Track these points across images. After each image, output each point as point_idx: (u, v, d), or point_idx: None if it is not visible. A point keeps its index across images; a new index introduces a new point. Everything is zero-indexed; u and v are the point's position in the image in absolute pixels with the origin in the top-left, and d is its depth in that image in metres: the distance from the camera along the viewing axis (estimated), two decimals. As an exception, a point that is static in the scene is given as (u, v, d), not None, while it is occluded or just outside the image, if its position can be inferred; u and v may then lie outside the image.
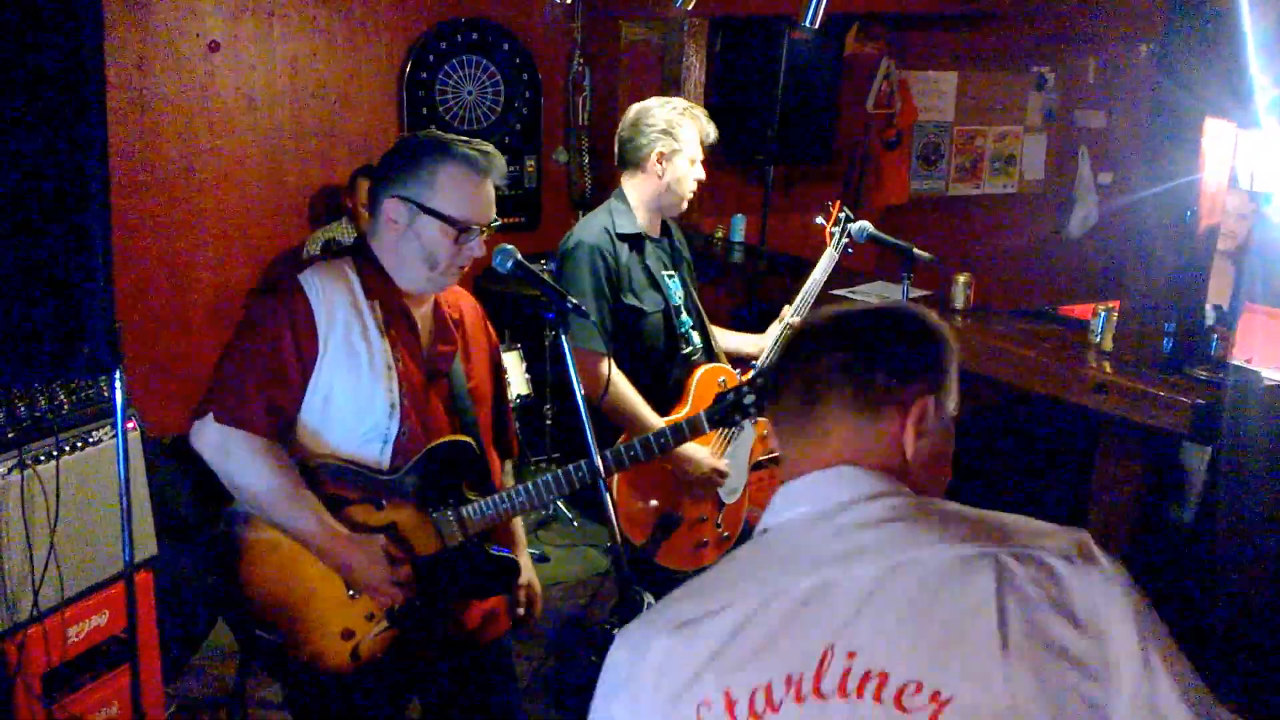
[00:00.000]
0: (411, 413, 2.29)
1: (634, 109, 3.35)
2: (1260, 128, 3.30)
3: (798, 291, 3.50)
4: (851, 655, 1.15)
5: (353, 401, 2.25)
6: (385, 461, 2.29)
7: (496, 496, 2.39)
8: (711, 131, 3.33)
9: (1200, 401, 3.19)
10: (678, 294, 3.39)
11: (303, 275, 2.25)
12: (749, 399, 2.74)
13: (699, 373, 3.32)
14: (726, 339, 3.64)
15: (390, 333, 2.29)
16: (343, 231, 5.16)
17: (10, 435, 2.89)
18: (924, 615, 1.15)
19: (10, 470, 2.87)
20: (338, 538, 2.23)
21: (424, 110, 5.77)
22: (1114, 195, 7.73)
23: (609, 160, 6.08)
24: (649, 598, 2.60)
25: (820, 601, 1.19)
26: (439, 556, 2.34)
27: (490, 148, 2.32)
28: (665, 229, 3.46)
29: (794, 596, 1.20)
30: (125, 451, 2.79)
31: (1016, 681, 1.11)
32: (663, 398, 3.26)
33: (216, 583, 2.33)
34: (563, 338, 2.24)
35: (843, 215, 3.53)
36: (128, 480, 2.80)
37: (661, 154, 3.25)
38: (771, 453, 3.61)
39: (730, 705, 1.18)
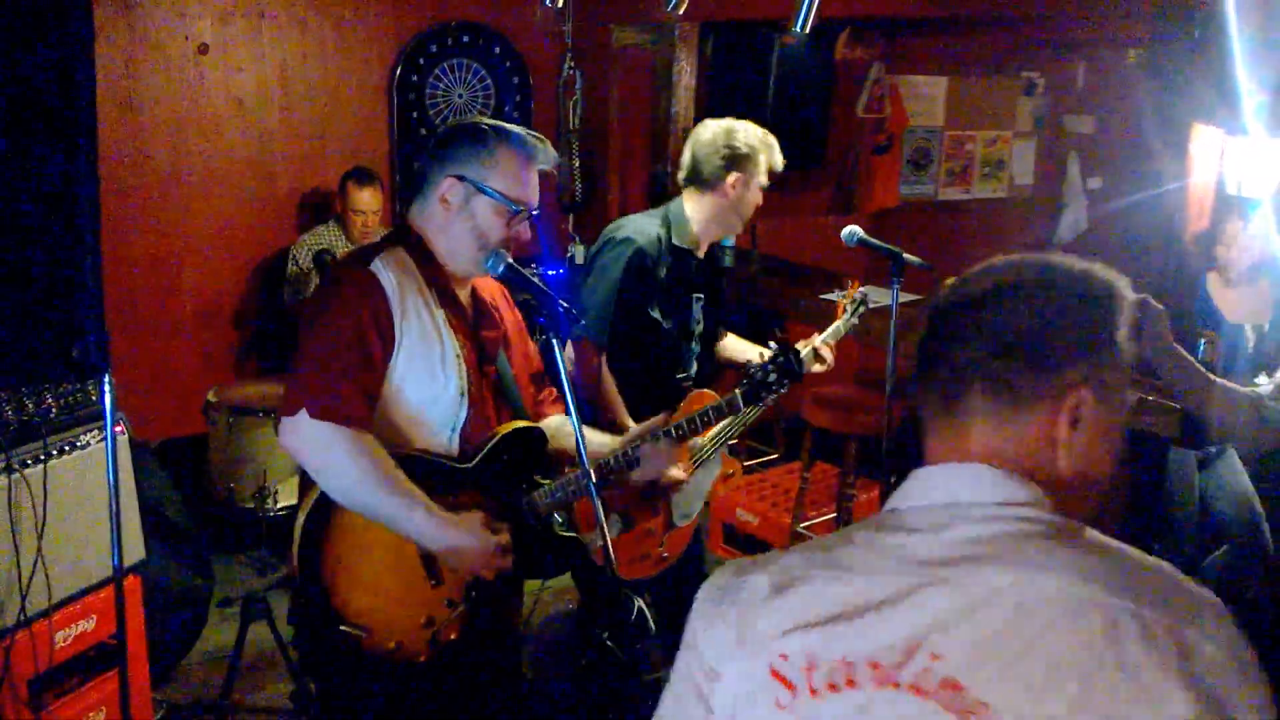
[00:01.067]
0: (476, 400, 2.37)
1: (713, 128, 3.32)
2: (1247, 134, 3.33)
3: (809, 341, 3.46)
4: (935, 658, 1.12)
5: (427, 390, 2.30)
6: (454, 449, 2.35)
7: (564, 480, 2.44)
8: (779, 163, 3.35)
9: (1189, 407, 3.20)
10: (698, 318, 3.43)
11: (373, 265, 2.25)
12: (772, 376, 2.73)
13: (690, 394, 3.36)
14: (743, 348, 3.68)
15: (452, 320, 2.35)
16: (330, 235, 5.15)
17: (-3, 439, 2.88)
18: (1019, 645, 1.10)
19: (-3, 474, 2.86)
20: (446, 520, 2.25)
21: (414, 114, 5.77)
22: (1103, 200, 7.75)
23: (600, 164, 6.14)
24: (639, 601, 2.61)
25: (924, 598, 1.15)
26: (512, 538, 2.37)
27: (543, 138, 2.41)
28: (710, 251, 3.48)
29: (900, 586, 1.16)
30: (114, 455, 2.77)
31: None
32: (649, 413, 3.26)
33: (304, 571, 2.27)
34: (554, 341, 2.24)
35: (860, 294, 3.53)
36: (117, 484, 2.78)
37: (739, 178, 3.27)
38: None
39: (810, 667, 1.16)
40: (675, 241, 3.29)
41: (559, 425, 2.64)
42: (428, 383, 2.29)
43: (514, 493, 2.42)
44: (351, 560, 2.27)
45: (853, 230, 3.41)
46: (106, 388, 2.71)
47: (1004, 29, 6.98)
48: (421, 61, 5.76)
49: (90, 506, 3.09)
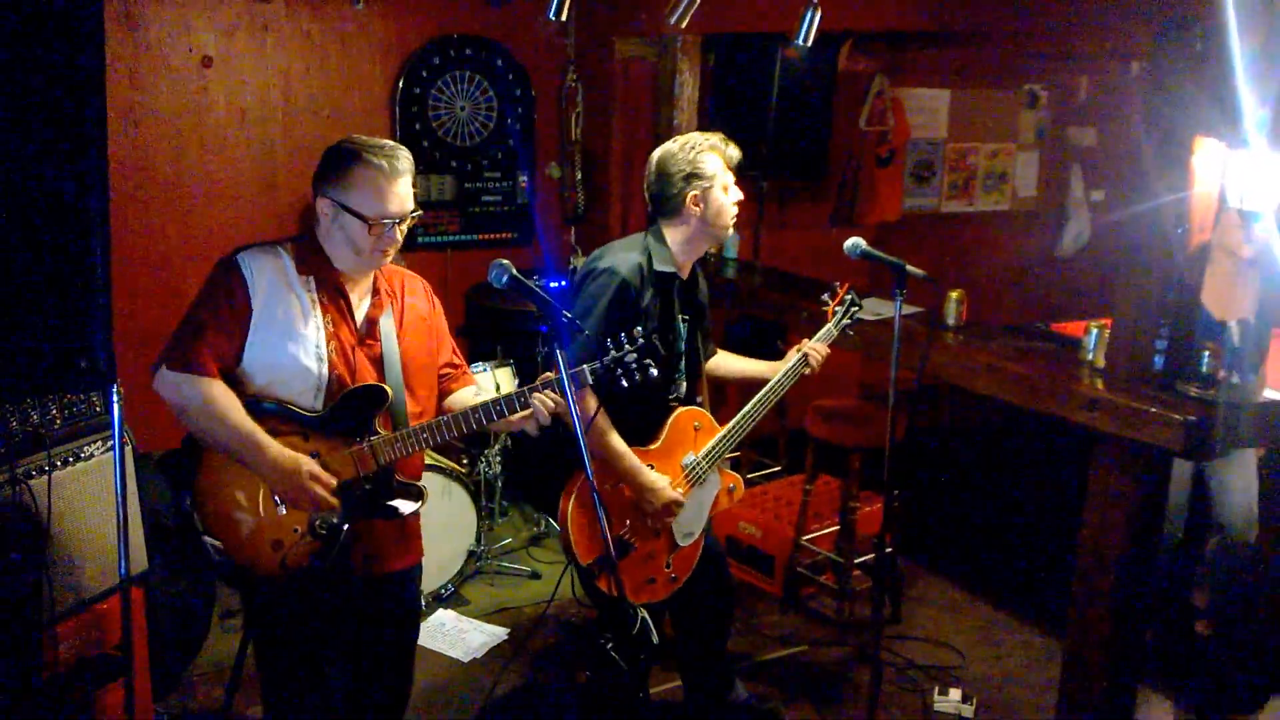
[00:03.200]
0: (340, 364, 2.71)
1: (655, 158, 3.34)
2: (1249, 147, 3.33)
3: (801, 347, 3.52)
4: None
5: (289, 354, 2.65)
6: (319, 405, 2.70)
7: (403, 430, 2.76)
8: (735, 153, 3.34)
9: (1191, 418, 3.20)
10: (684, 338, 3.44)
11: (237, 254, 2.68)
12: (630, 358, 2.79)
13: (678, 412, 3.38)
14: (738, 364, 3.68)
15: (322, 300, 2.71)
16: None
17: (2, 450, 2.88)
18: None
19: (2, 485, 2.86)
20: (270, 450, 2.59)
21: (417, 125, 5.79)
22: (1106, 212, 7.76)
23: (602, 176, 6.16)
24: (643, 612, 2.60)
25: None
26: (354, 482, 2.72)
27: (400, 149, 2.68)
28: (693, 272, 3.49)
29: None
30: (122, 465, 2.78)
31: None
32: (636, 433, 3.29)
33: (178, 495, 2.65)
34: (556, 352, 2.25)
35: (848, 298, 3.61)
36: (124, 495, 2.79)
37: (695, 196, 3.27)
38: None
39: None
40: (657, 267, 3.29)
41: (470, 394, 3.05)
42: (286, 347, 2.65)
43: (356, 439, 2.72)
44: (214, 480, 2.64)
45: (856, 242, 3.41)
46: (115, 398, 2.72)
47: (1006, 42, 7.00)
48: (424, 74, 5.78)
49: (95, 517, 3.09)
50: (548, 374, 2.82)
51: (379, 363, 2.80)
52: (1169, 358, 3.46)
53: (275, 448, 2.60)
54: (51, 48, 2.10)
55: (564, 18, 4.19)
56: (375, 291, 2.84)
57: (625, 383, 2.79)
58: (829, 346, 3.54)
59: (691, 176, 3.25)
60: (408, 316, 2.90)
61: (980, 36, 6.87)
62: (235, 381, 2.65)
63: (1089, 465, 3.59)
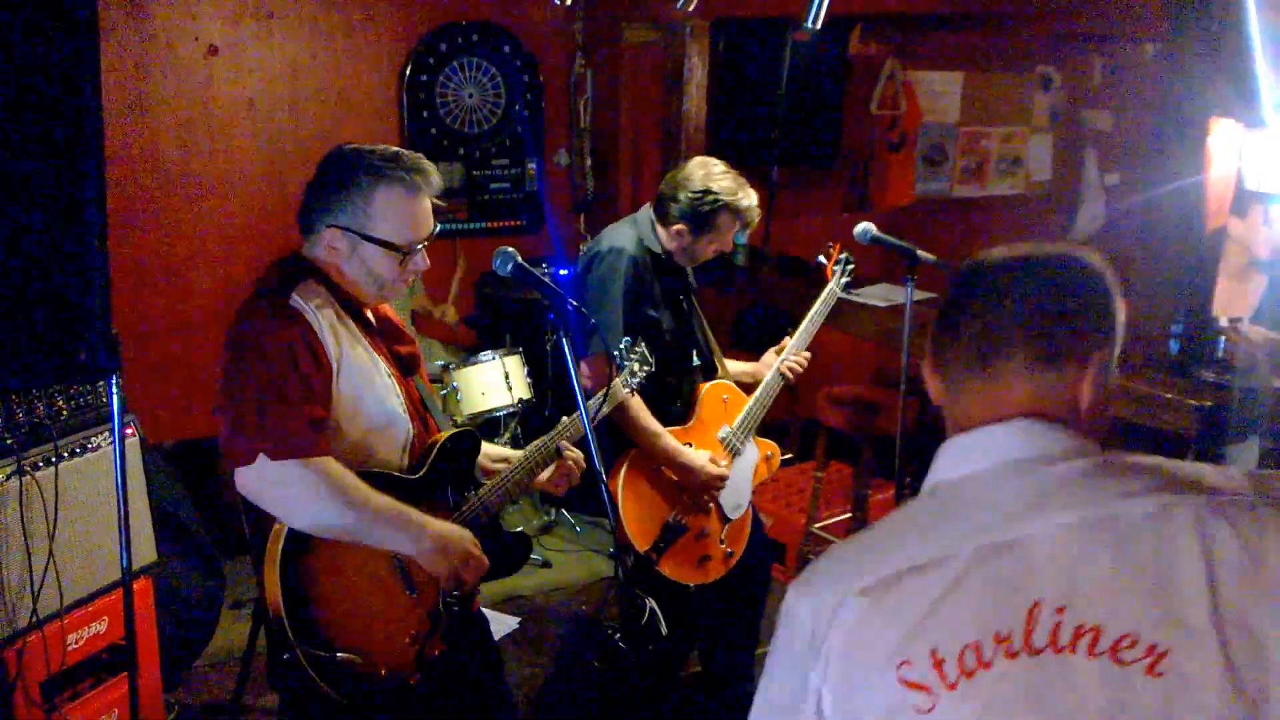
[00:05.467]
0: (413, 414, 2.35)
1: (693, 166, 3.29)
2: (1266, 127, 3.28)
3: (800, 321, 3.50)
4: (1060, 610, 1.14)
5: (380, 412, 2.26)
6: (405, 463, 2.33)
7: (508, 471, 2.49)
8: (754, 220, 3.32)
9: (1207, 405, 3.17)
10: (689, 314, 3.44)
11: (292, 301, 2.19)
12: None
13: (705, 388, 3.38)
14: (738, 368, 3.67)
15: (373, 344, 2.33)
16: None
17: (8, 441, 2.87)
18: (1132, 569, 1.15)
19: (9, 477, 2.85)
20: (429, 524, 2.22)
21: (424, 113, 5.75)
22: (1121, 196, 7.69)
23: (611, 163, 6.12)
24: (651, 603, 2.58)
25: (1019, 558, 1.17)
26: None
27: (424, 162, 2.29)
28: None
29: (990, 553, 1.18)
30: (123, 457, 2.77)
31: (1231, 647, 1.11)
32: (668, 411, 3.29)
33: (293, 611, 2.15)
34: (563, 340, 2.23)
35: (843, 256, 3.64)
36: (125, 486, 2.78)
37: (684, 230, 3.25)
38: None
39: (938, 663, 1.16)
40: (651, 247, 3.31)
41: None
42: (373, 403, 2.25)
43: (462, 496, 2.43)
44: (333, 587, 2.19)
45: (866, 227, 3.38)
46: (114, 390, 2.70)
47: (1019, 23, 6.93)
48: (432, 61, 5.74)
49: (102, 508, 3.08)
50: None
51: (423, 403, 2.46)
52: (1184, 343, 3.42)
53: (425, 518, 2.21)
54: (46, 34, 2.08)
55: (571, 3, 4.15)
56: (389, 322, 2.48)
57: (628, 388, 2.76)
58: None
59: (699, 217, 3.23)
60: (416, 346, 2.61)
61: (993, 19, 6.81)
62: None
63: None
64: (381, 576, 2.25)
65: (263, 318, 2.18)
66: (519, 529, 2.62)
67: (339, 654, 2.15)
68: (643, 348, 2.88)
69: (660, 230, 3.33)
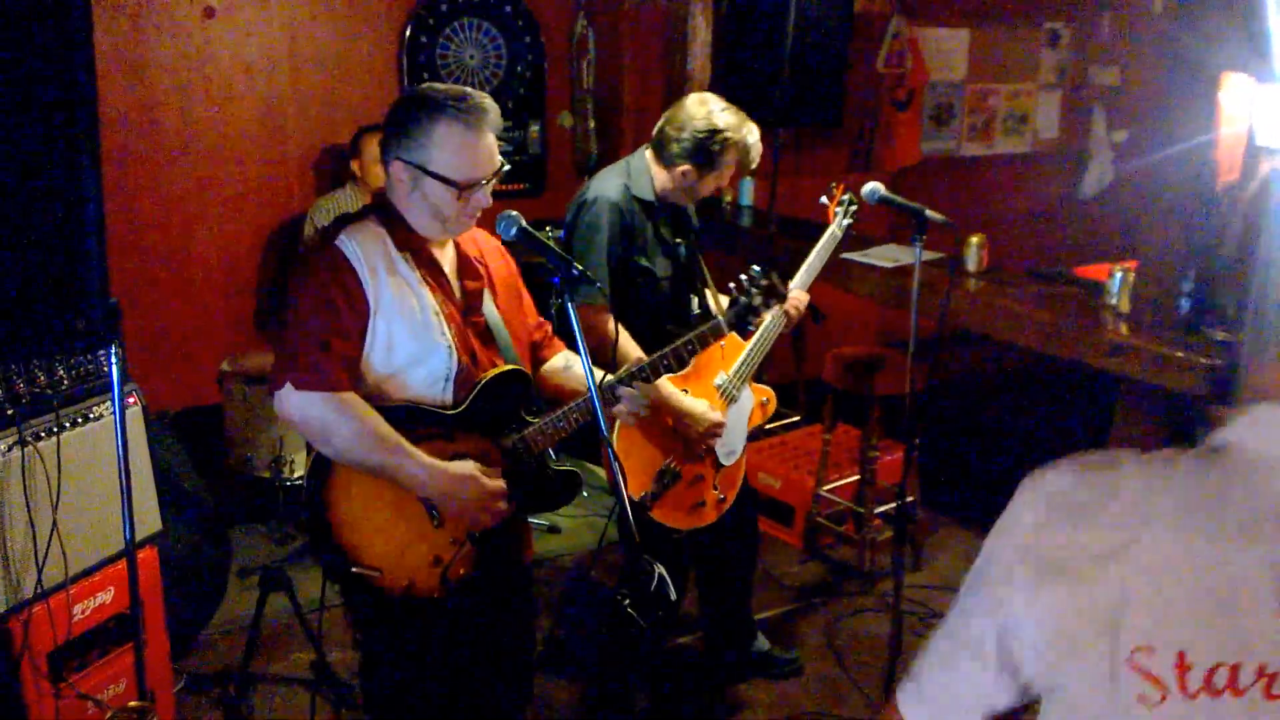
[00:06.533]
0: (461, 349, 2.44)
1: (695, 110, 3.27)
2: (1278, 80, 3.22)
3: (800, 264, 3.47)
4: None
5: (415, 347, 2.38)
6: (449, 399, 2.44)
7: (553, 416, 2.54)
8: (755, 158, 3.31)
9: (1218, 363, 3.13)
10: (683, 260, 3.42)
11: (339, 240, 2.35)
12: (757, 300, 2.75)
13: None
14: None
15: (428, 280, 2.43)
16: (349, 198, 5.07)
17: (9, 412, 2.85)
18: None
19: (11, 447, 2.83)
20: (435, 469, 2.36)
21: (425, 75, 5.69)
22: (1129, 153, 7.62)
23: (615, 124, 6.06)
24: (659, 568, 2.57)
25: None
26: (509, 478, 2.49)
27: (485, 99, 2.37)
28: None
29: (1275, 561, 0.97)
30: (123, 427, 2.74)
31: None
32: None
33: (312, 525, 2.43)
34: (568, 304, 2.22)
35: (845, 197, 3.61)
36: (126, 456, 2.75)
37: (689, 170, 3.25)
38: (769, 420, 3.61)
39: (1183, 668, 0.99)
40: (641, 193, 3.30)
41: (561, 365, 2.79)
42: (410, 340, 2.37)
43: (504, 433, 2.52)
44: (356, 507, 2.40)
45: (874, 187, 3.34)
46: (114, 359, 2.67)
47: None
48: (432, 22, 5.67)
49: (106, 478, 3.06)
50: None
51: (489, 339, 2.55)
52: (1195, 301, 3.38)
53: (433, 463, 2.36)
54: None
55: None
56: (463, 258, 2.56)
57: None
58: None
59: (707, 155, 3.23)
60: (497, 282, 2.65)
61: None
62: (362, 390, 2.37)
63: (1113, 411, 3.52)
64: (406, 504, 2.41)
65: (310, 260, 2.43)
66: (568, 467, 2.65)
67: (354, 568, 2.39)
68: (773, 278, 2.78)
69: (660, 173, 3.32)
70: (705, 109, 3.26)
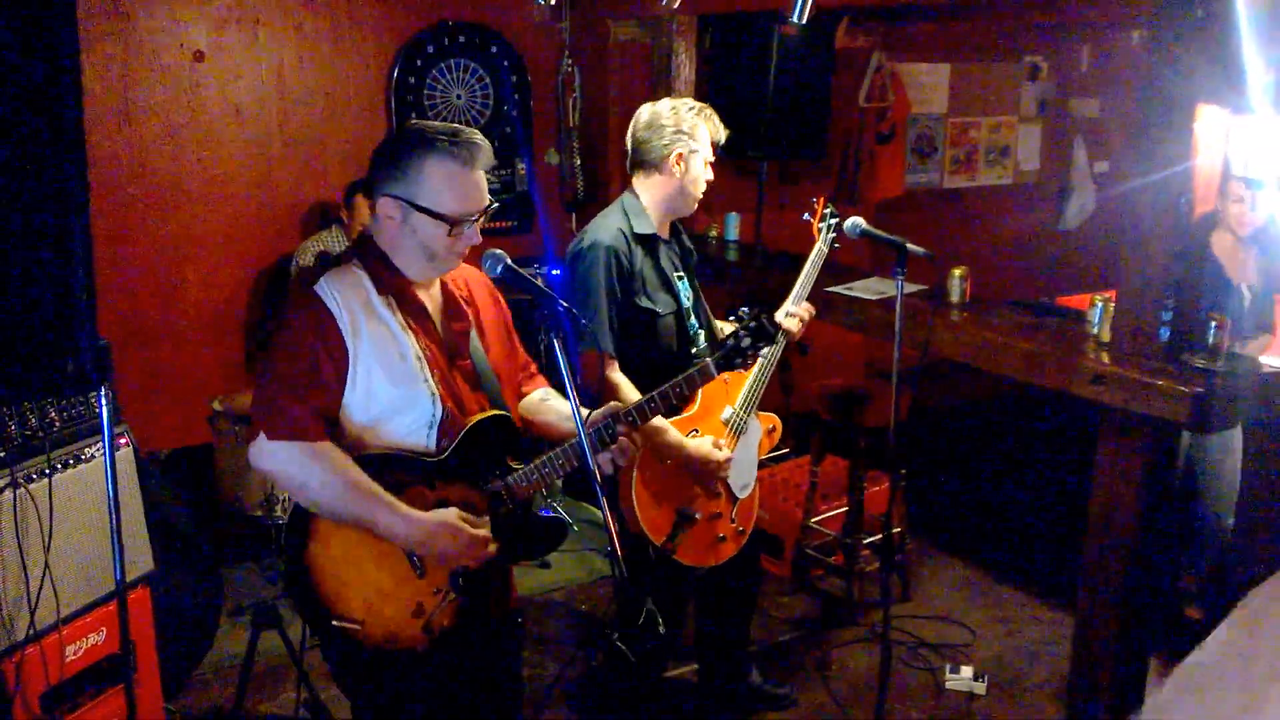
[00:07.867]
0: (446, 394, 2.40)
1: (648, 110, 3.38)
2: (1253, 113, 3.28)
3: (792, 286, 3.51)
4: None
5: (395, 395, 2.35)
6: (433, 445, 2.40)
7: (538, 462, 2.49)
8: (722, 133, 3.39)
9: (1199, 391, 3.17)
10: (687, 295, 3.44)
11: (318, 286, 2.33)
12: (746, 342, 2.74)
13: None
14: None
15: (411, 324, 2.40)
16: (335, 240, 5.12)
17: (1, 454, 2.86)
18: None
19: (2, 489, 2.85)
20: (412, 518, 2.32)
21: (413, 115, 5.74)
22: (1110, 184, 7.71)
23: (601, 161, 6.11)
24: (649, 603, 2.58)
25: None
26: (498, 524, 2.46)
27: (476, 136, 2.36)
28: (674, 230, 3.50)
29: None
30: (113, 468, 2.76)
31: None
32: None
33: (290, 578, 2.39)
34: (554, 341, 2.23)
35: (828, 211, 3.67)
36: (117, 497, 2.77)
37: (681, 154, 3.31)
38: (778, 449, 3.63)
39: None
40: (639, 229, 3.32)
41: (538, 398, 2.77)
42: (390, 387, 2.34)
43: (488, 480, 2.47)
44: (336, 558, 2.35)
45: (855, 222, 3.39)
46: (104, 400, 2.69)
47: (1006, 13, 6.94)
48: (419, 63, 5.73)
49: (98, 519, 3.07)
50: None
51: (476, 382, 2.51)
52: (1175, 330, 3.42)
53: (410, 513, 2.31)
54: (26, 44, 2.06)
55: (555, 1, 4.15)
56: (449, 298, 2.53)
57: None
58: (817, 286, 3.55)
59: (682, 134, 3.30)
60: (485, 322, 2.62)
61: (979, 8, 6.81)
62: (342, 438, 2.35)
63: (1096, 439, 3.55)
64: (387, 554, 2.36)
65: (290, 307, 2.40)
66: (547, 513, 2.62)
67: (334, 621, 2.34)
68: (762, 320, 2.74)
69: (654, 191, 3.36)
70: (659, 104, 3.37)
